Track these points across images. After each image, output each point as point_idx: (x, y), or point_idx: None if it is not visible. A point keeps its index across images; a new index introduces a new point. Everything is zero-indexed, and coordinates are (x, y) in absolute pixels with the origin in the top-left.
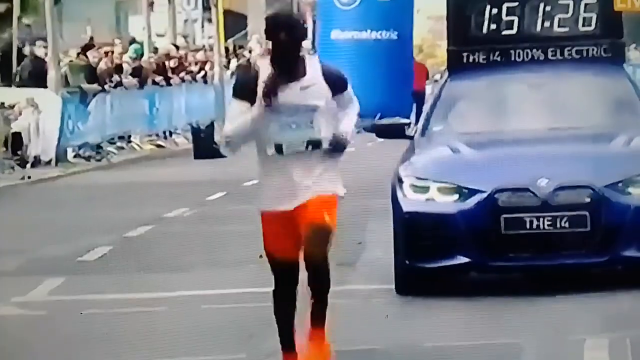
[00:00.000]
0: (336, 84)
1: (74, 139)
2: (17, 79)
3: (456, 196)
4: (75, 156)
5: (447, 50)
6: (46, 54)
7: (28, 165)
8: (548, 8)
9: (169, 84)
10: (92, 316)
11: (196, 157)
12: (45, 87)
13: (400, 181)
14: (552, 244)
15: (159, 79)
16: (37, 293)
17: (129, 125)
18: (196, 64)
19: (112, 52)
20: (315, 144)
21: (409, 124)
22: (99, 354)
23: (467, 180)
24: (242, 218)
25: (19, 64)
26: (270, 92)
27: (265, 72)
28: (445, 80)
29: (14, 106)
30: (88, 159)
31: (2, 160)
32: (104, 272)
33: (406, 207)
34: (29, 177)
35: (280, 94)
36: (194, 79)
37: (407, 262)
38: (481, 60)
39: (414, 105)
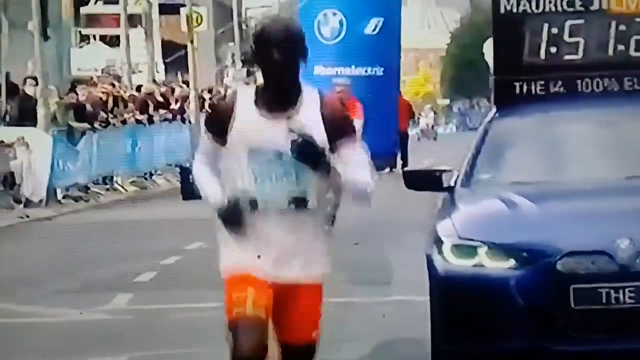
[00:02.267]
0: (338, 126)
1: (63, 179)
2: (7, 118)
3: (512, 262)
4: (64, 197)
5: (494, 79)
6: (35, 93)
7: (21, 205)
8: (622, 27)
9: (150, 122)
10: (173, 319)
11: (184, 198)
12: (34, 125)
13: (439, 242)
14: (634, 322)
15: (141, 117)
16: (118, 303)
17: (113, 166)
18: (176, 101)
19: (113, 86)
20: (298, 201)
21: (445, 171)
22: (179, 345)
23: (526, 241)
24: None
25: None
26: (247, 130)
27: (245, 103)
28: (492, 117)
29: (11, 145)
30: (77, 199)
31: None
32: (163, 289)
33: (447, 276)
34: (27, 216)
35: (259, 133)
36: (174, 117)
37: (447, 345)
38: (538, 92)
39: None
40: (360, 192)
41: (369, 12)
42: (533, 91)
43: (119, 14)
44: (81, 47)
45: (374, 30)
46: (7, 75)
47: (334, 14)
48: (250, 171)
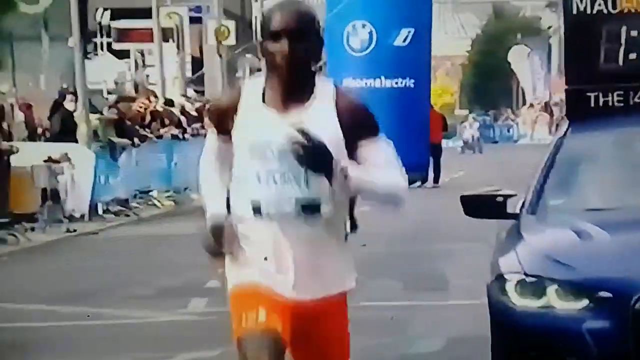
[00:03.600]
0: (356, 123)
1: (105, 194)
2: (47, 134)
3: (585, 302)
4: (104, 211)
5: (566, 90)
6: (75, 109)
7: (65, 220)
8: None
9: (184, 138)
10: None
11: None
12: (73, 141)
13: (502, 279)
14: None
15: (176, 131)
16: (196, 306)
17: (150, 180)
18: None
19: (149, 101)
20: (309, 208)
21: (509, 196)
22: None
23: (602, 278)
24: None
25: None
26: (251, 124)
27: (251, 98)
28: (564, 134)
29: (58, 161)
30: (117, 214)
31: (50, 214)
32: None
33: (511, 318)
34: (74, 230)
35: (264, 130)
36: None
37: None
38: (615, 104)
39: (431, 160)
40: (389, 196)
41: (399, 22)
42: (610, 103)
43: (150, 28)
44: (89, 59)
45: (404, 41)
46: (62, 91)
47: (363, 26)
48: (254, 172)
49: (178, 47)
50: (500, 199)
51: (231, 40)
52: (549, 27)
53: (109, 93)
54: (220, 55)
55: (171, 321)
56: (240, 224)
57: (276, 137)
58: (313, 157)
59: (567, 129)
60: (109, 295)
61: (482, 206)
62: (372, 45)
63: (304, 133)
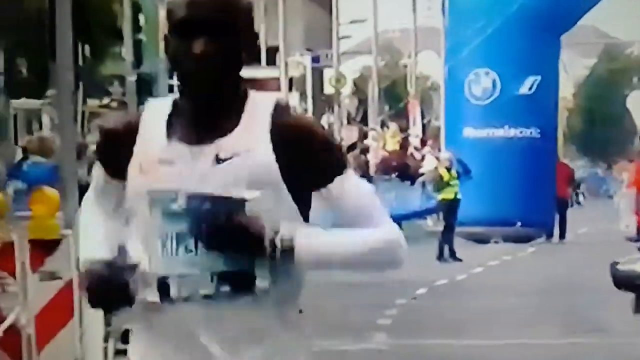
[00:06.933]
0: (310, 154)
1: None
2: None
3: None
4: None
5: None
6: None
7: None
8: None
9: None
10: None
11: None
12: None
13: None
14: None
15: None
16: None
17: None
18: None
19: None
20: (241, 283)
21: None
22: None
23: None
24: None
25: None
26: (151, 164)
27: (152, 124)
28: None
29: None
30: None
31: None
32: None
33: None
34: None
35: (170, 170)
36: None
37: None
38: None
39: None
40: (377, 260)
41: (524, 70)
42: None
43: (277, 77)
44: None
45: (529, 89)
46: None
47: (487, 73)
48: (156, 229)
49: (301, 96)
50: None
51: (347, 89)
52: None
53: None
54: (339, 105)
55: None
56: (144, 309)
57: (187, 181)
58: (225, 230)
59: None
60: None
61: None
62: (496, 94)
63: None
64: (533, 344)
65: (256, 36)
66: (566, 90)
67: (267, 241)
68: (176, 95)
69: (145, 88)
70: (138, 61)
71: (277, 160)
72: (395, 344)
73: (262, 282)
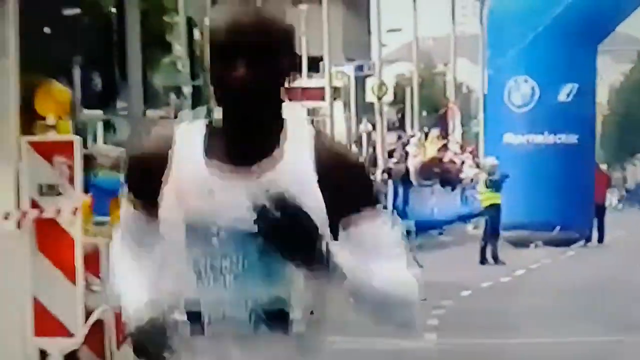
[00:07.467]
0: (347, 185)
1: None
2: None
3: None
4: None
5: None
6: None
7: None
8: None
9: None
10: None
11: None
12: None
13: None
14: None
15: None
16: None
17: None
18: None
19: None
20: (277, 320)
21: None
22: None
23: None
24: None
25: None
26: (187, 194)
27: (187, 151)
28: None
29: None
30: None
31: None
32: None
33: None
34: None
35: (207, 200)
36: None
37: None
38: None
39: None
40: (395, 306)
41: (562, 78)
42: None
43: (322, 87)
44: None
45: (567, 96)
46: None
47: (526, 81)
48: (191, 263)
49: (344, 105)
50: None
51: (389, 97)
52: None
53: None
54: (381, 114)
55: None
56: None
57: (225, 211)
58: (290, 235)
59: None
60: None
61: None
62: (535, 101)
63: (275, 198)
64: (575, 341)
65: (297, 59)
66: (601, 97)
67: (324, 249)
68: (206, 118)
69: (199, 99)
70: (192, 73)
71: (322, 190)
72: (444, 342)
73: (297, 321)
